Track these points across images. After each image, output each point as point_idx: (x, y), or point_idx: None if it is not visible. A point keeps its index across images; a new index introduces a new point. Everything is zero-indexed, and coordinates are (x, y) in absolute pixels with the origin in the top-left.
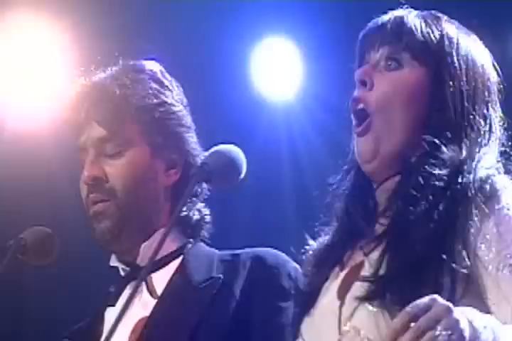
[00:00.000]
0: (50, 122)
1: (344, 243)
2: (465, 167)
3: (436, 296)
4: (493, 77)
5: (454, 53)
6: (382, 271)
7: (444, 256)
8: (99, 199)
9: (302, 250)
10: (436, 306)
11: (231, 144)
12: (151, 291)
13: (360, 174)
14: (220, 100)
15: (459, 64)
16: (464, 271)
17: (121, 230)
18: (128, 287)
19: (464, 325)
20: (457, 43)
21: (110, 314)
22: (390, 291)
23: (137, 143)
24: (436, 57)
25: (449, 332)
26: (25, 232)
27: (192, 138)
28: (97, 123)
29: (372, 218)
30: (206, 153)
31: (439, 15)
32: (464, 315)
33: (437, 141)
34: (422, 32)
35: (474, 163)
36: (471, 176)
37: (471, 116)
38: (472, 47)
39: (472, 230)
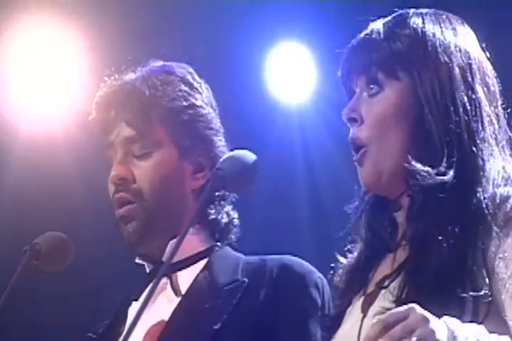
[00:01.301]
0: (65, 126)
1: (369, 262)
2: (478, 182)
3: (414, 305)
4: (480, 61)
5: (434, 62)
6: (403, 296)
7: (466, 277)
8: (125, 199)
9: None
10: (413, 315)
11: (245, 149)
12: (176, 289)
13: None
14: (234, 103)
15: (435, 61)
16: (486, 291)
17: (148, 231)
18: (152, 283)
19: (440, 336)
20: (440, 45)
21: (133, 309)
22: None
23: (165, 144)
24: (408, 65)
25: None
26: (39, 238)
27: (220, 142)
28: (126, 123)
29: (394, 231)
30: (221, 158)
31: (405, 13)
32: (446, 325)
33: (439, 152)
34: (387, 45)
35: (489, 178)
36: (488, 194)
37: (463, 124)
38: (446, 35)
39: (492, 248)
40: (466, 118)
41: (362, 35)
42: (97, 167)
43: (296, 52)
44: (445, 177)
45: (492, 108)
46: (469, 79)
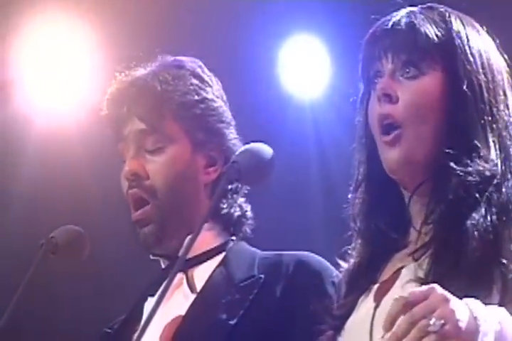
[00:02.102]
0: (78, 120)
1: (375, 262)
2: (503, 168)
3: (435, 285)
4: (503, 64)
5: (467, 49)
6: (430, 277)
7: (495, 259)
8: (139, 198)
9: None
10: (434, 295)
11: (261, 142)
12: (191, 286)
13: (383, 183)
14: (247, 98)
15: (474, 58)
16: None
17: (165, 233)
18: (167, 279)
19: (460, 316)
20: (467, 37)
21: (149, 304)
22: None
23: (178, 139)
24: (451, 58)
25: (442, 322)
26: (56, 231)
27: (232, 134)
28: (138, 118)
29: (404, 229)
30: (237, 151)
31: (441, 9)
32: (467, 306)
33: (466, 143)
34: (434, 34)
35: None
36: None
37: (495, 109)
38: (481, 38)
39: None
40: (506, 117)
41: (398, 16)
42: (110, 161)
43: (310, 45)
44: (480, 179)
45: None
46: (503, 81)
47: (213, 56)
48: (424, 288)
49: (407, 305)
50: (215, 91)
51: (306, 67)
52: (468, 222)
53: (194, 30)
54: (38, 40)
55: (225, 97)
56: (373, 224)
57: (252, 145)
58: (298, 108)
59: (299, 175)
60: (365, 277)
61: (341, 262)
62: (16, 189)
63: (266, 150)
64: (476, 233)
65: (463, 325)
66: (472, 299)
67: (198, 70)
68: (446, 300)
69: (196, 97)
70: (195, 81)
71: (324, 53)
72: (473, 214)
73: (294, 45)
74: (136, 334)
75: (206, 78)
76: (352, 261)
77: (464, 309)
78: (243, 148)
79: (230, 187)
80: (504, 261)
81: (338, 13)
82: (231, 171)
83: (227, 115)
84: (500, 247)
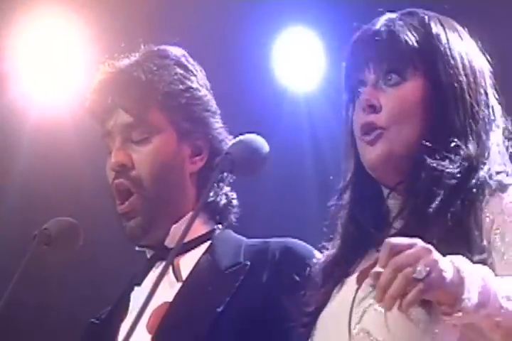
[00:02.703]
0: (72, 113)
1: (351, 256)
2: (477, 163)
3: (417, 239)
4: (485, 64)
5: (447, 52)
6: None
7: (463, 249)
8: (124, 188)
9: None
10: (417, 246)
11: (254, 134)
12: (177, 274)
13: (366, 182)
14: (242, 90)
15: (455, 61)
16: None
17: (151, 224)
18: (154, 268)
19: (444, 266)
20: (447, 40)
21: (136, 293)
22: None
23: (164, 129)
24: (432, 62)
25: (428, 269)
26: (49, 223)
27: (218, 124)
28: (123, 109)
29: (382, 225)
30: (230, 142)
31: (421, 14)
32: (451, 261)
33: (444, 139)
34: (414, 41)
35: (487, 160)
36: (485, 173)
37: (476, 109)
38: (462, 40)
39: (487, 222)
40: (486, 117)
41: (378, 25)
42: (105, 153)
43: (304, 38)
44: (455, 170)
45: (492, 95)
46: (484, 82)
47: (207, 49)
48: (407, 239)
49: (392, 250)
50: (199, 80)
51: (300, 60)
52: (434, 213)
53: (188, 24)
54: (32, 34)
55: (209, 86)
56: (354, 222)
57: (246, 136)
58: (293, 101)
59: (294, 168)
60: (340, 270)
61: (317, 253)
62: (10, 181)
63: (260, 141)
64: (440, 221)
65: (447, 275)
66: (459, 256)
67: (182, 59)
68: (430, 251)
69: (181, 86)
70: (179, 70)
71: (319, 46)
72: (441, 206)
73: (289, 38)
74: (123, 324)
75: (190, 67)
76: (327, 253)
77: (448, 261)
78: (237, 139)
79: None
80: (472, 249)
81: (333, 5)
82: (224, 162)
83: (212, 104)
84: (465, 233)
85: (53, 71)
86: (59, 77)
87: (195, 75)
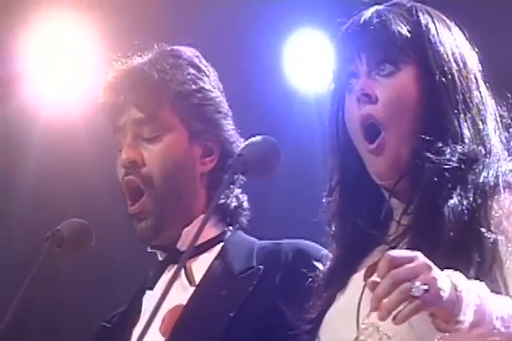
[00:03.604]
0: (83, 112)
1: (353, 260)
2: (477, 154)
3: (418, 253)
4: (473, 53)
5: (437, 40)
6: None
7: (472, 240)
8: (133, 183)
9: None
10: (418, 261)
11: (266, 135)
12: (190, 278)
13: (359, 182)
14: (252, 92)
15: (444, 48)
16: (491, 246)
17: (163, 224)
18: (166, 271)
19: (442, 285)
20: (436, 30)
21: (148, 297)
22: None
23: (175, 128)
24: (423, 51)
25: (426, 288)
26: (61, 224)
27: (229, 125)
28: (136, 107)
29: (382, 224)
30: (242, 145)
31: (408, 5)
32: (449, 276)
33: (441, 131)
34: (406, 31)
35: (487, 150)
36: (491, 171)
37: (468, 96)
38: (449, 29)
39: (494, 212)
40: (479, 104)
41: (367, 16)
42: (116, 153)
43: (315, 39)
44: (455, 164)
45: (483, 83)
46: (475, 71)
47: (218, 51)
48: (409, 253)
49: (391, 262)
50: (212, 82)
51: (311, 62)
52: (445, 207)
53: (199, 26)
54: (43, 35)
55: (221, 88)
56: (350, 222)
57: (258, 138)
58: (303, 102)
59: (305, 169)
60: (343, 274)
61: (319, 265)
62: (22, 181)
63: (272, 143)
64: (451, 216)
65: (444, 294)
66: (453, 271)
67: (196, 60)
68: (430, 268)
69: (193, 87)
70: (192, 70)
71: (329, 47)
72: (449, 199)
73: (299, 40)
74: (135, 328)
75: (203, 68)
76: (328, 264)
77: (446, 279)
78: (249, 141)
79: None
80: (481, 237)
81: (343, 7)
82: (237, 164)
83: (224, 105)
84: (477, 227)
85: (64, 71)
86: (69, 77)
87: (207, 76)
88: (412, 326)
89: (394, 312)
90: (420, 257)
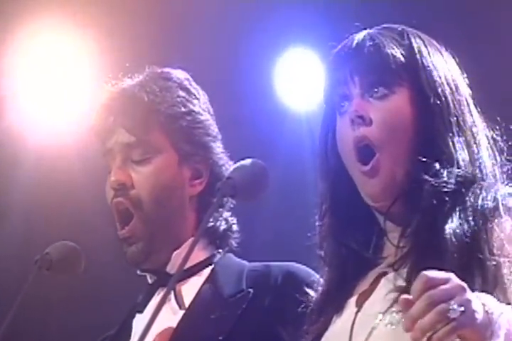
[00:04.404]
0: (74, 135)
1: (346, 284)
2: (473, 176)
3: (452, 274)
4: (462, 76)
5: (429, 64)
6: (411, 285)
7: (474, 262)
8: (122, 206)
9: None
10: (452, 282)
11: (255, 156)
12: (179, 301)
13: (351, 205)
14: (243, 110)
15: (437, 72)
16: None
17: (152, 248)
18: (156, 294)
19: (476, 307)
20: (428, 53)
21: (138, 321)
22: None
23: (165, 150)
24: (416, 74)
25: (462, 309)
26: (50, 247)
27: (218, 148)
28: (125, 129)
29: (376, 247)
30: (231, 168)
31: (399, 28)
32: (479, 299)
33: (437, 154)
34: (399, 54)
35: (482, 172)
36: (490, 194)
37: (461, 118)
38: (440, 53)
39: (496, 235)
40: (472, 126)
41: (360, 39)
42: (106, 174)
43: (306, 58)
44: (453, 186)
45: (474, 106)
46: (465, 93)
47: (210, 69)
48: (443, 274)
49: (426, 283)
50: (202, 104)
51: (302, 80)
52: (446, 230)
53: (191, 43)
54: (31, 54)
55: (211, 111)
56: (344, 246)
57: (247, 161)
58: (294, 120)
59: (296, 187)
60: (339, 298)
61: (310, 291)
62: (10, 204)
63: (261, 166)
64: (453, 239)
65: (478, 316)
66: (483, 293)
67: (186, 83)
68: (464, 290)
69: (183, 109)
70: (182, 93)
71: (320, 66)
72: (450, 222)
73: (290, 58)
74: None
75: (193, 90)
76: (320, 289)
77: (478, 301)
78: (238, 164)
79: (215, 200)
80: (483, 260)
81: (334, 26)
82: (226, 187)
83: (214, 128)
84: (479, 250)
85: (53, 91)
86: (58, 97)
87: (197, 99)
88: None
89: (428, 334)
90: (454, 278)
